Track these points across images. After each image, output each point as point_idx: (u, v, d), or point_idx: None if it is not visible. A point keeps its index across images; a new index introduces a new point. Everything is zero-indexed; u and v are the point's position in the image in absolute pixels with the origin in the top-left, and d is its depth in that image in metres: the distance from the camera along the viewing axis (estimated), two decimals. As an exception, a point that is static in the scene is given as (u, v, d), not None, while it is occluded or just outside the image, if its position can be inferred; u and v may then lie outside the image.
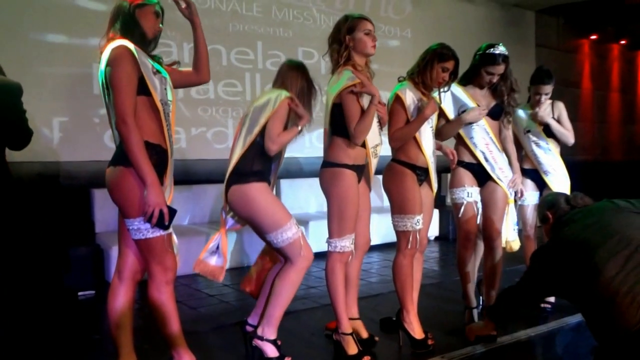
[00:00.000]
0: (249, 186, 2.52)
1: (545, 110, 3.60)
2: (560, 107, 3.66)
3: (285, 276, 2.54)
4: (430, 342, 2.84)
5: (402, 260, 2.84)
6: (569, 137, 3.57)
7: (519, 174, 3.21)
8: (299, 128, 2.57)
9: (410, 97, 2.79)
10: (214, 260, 2.64)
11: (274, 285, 2.58)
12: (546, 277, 2.28)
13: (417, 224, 2.80)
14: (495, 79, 3.01)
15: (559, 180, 3.56)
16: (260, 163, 2.56)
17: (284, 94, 2.56)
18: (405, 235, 2.81)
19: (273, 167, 2.75)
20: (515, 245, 3.26)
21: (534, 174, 3.60)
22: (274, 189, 2.80)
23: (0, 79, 2.28)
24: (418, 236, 2.82)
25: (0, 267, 2.27)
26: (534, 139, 3.58)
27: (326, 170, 2.67)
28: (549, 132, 3.57)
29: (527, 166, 3.60)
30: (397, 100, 2.79)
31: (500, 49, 2.98)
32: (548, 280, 2.27)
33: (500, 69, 2.98)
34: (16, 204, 2.31)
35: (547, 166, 3.57)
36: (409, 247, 2.81)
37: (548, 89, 3.53)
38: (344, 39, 2.63)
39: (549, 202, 2.48)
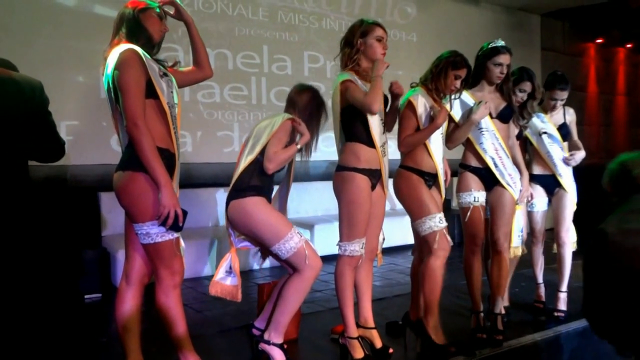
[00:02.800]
0: (245, 200, 2.54)
1: (558, 113, 3.60)
2: (572, 113, 3.65)
3: (293, 284, 2.54)
4: (452, 349, 2.81)
5: (435, 262, 2.79)
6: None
7: (527, 185, 3.21)
8: (298, 146, 2.59)
9: (422, 104, 2.81)
10: (229, 281, 2.67)
11: (281, 291, 2.59)
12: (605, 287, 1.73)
13: (441, 221, 2.79)
14: (504, 70, 3.02)
15: (570, 182, 3.56)
16: (259, 179, 2.58)
17: (286, 115, 2.61)
18: (432, 236, 2.78)
19: (283, 193, 2.80)
20: (518, 251, 3.25)
21: (544, 179, 3.57)
22: (285, 213, 2.81)
23: (21, 76, 2.28)
24: (446, 233, 2.80)
25: (13, 270, 2.29)
26: (550, 141, 3.55)
27: (338, 174, 2.69)
28: (564, 136, 3.57)
29: (536, 172, 3.57)
30: (409, 106, 2.81)
31: (501, 42, 3.03)
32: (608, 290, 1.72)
33: (507, 58, 3.00)
34: (35, 210, 2.32)
35: (561, 167, 3.53)
36: (439, 247, 2.78)
37: (564, 94, 3.52)
38: (356, 43, 2.65)
39: (612, 173, 1.99)
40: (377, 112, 2.57)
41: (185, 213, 2.15)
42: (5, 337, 2.29)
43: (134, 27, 2.19)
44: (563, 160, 3.52)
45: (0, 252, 2.17)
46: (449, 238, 2.82)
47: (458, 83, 2.84)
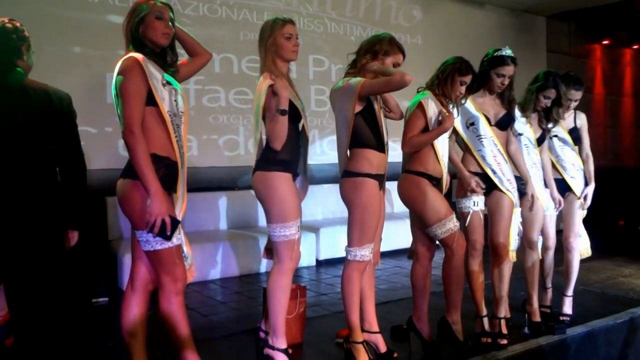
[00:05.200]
0: (271, 174, 2.54)
1: (569, 117, 3.57)
2: (583, 118, 3.63)
3: (274, 280, 2.56)
4: (470, 343, 2.95)
5: (457, 261, 2.87)
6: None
7: (533, 192, 3.16)
8: (280, 110, 2.45)
9: (432, 108, 2.83)
10: None
11: (266, 293, 2.61)
12: None
13: (457, 222, 2.84)
14: (506, 81, 3.04)
15: (581, 186, 3.55)
16: (286, 153, 2.55)
17: (267, 83, 2.50)
18: (451, 237, 2.82)
19: (301, 152, 2.72)
20: (514, 255, 3.25)
21: (555, 183, 3.51)
22: (306, 174, 2.79)
23: (53, 88, 2.38)
24: (461, 234, 2.86)
25: (30, 274, 2.35)
26: (561, 144, 3.54)
27: (348, 180, 2.67)
28: (575, 140, 3.56)
29: None
30: (420, 107, 2.84)
31: (507, 52, 3.02)
32: None
33: (510, 69, 3.01)
34: (59, 212, 2.39)
35: (571, 170, 3.53)
36: (457, 245, 2.83)
37: (579, 95, 3.50)
38: (379, 57, 2.66)
39: None
40: (410, 82, 2.46)
41: (176, 222, 2.15)
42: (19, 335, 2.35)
43: (136, 42, 2.22)
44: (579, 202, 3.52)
45: (23, 250, 2.25)
46: (463, 236, 2.86)
47: (463, 89, 2.89)
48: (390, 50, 2.68)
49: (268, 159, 2.56)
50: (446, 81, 2.87)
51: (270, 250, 2.71)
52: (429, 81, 2.97)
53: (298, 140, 2.65)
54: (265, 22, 2.64)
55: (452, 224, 2.82)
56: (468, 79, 2.87)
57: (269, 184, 2.54)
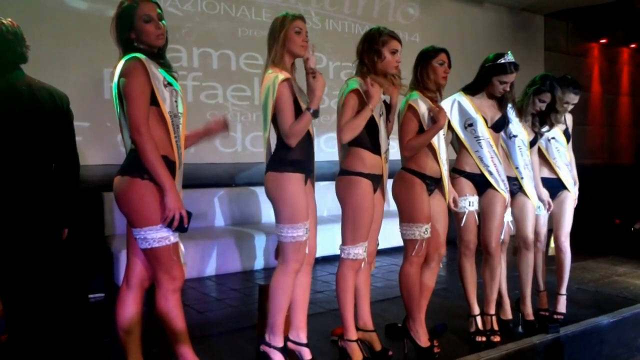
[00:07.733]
0: (283, 175, 2.51)
1: (561, 119, 3.58)
2: (570, 118, 3.67)
3: (277, 280, 2.56)
4: (436, 350, 2.86)
5: (409, 268, 2.86)
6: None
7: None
8: (311, 110, 2.45)
9: (422, 107, 2.83)
10: None
11: (269, 292, 2.61)
12: None
13: (425, 232, 2.81)
14: (508, 87, 3.06)
15: (572, 187, 3.58)
16: (299, 152, 2.53)
17: (279, 78, 2.45)
18: (412, 243, 2.83)
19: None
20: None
21: (549, 182, 3.54)
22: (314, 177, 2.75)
23: (53, 87, 2.42)
24: (424, 244, 2.83)
25: (24, 269, 2.36)
26: (557, 145, 3.57)
27: (342, 178, 2.69)
28: (567, 139, 3.59)
29: (543, 174, 3.55)
30: (410, 109, 2.83)
31: (509, 58, 3.02)
32: None
33: (512, 77, 3.03)
34: (53, 209, 2.41)
35: (564, 170, 3.56)
36: (415, 254, 2.82)
37: (576, 99, 3.52)
38: (382, 53, 2.67)
39: None
40: (345, 142, 2.59)
41: (189, 214, 2.19)
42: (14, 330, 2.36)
43: (130, 48, 2.21)
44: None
45: (17, 246, 2.26)
46: (424, 246, 2.84)
47: (443, 69, 2.87)
48: (386, 41, 2.70)
49: (280, 158, 2.54)
50: (428, 72, 2.87)
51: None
52: (410, 83, 2.95)
53: (310, 140, 2.62)
54: (276, 18, 2.67)
55: (419, 232, 2.80)
56: (442, 57, 2.86)
57: (280, 185, 2.52)
